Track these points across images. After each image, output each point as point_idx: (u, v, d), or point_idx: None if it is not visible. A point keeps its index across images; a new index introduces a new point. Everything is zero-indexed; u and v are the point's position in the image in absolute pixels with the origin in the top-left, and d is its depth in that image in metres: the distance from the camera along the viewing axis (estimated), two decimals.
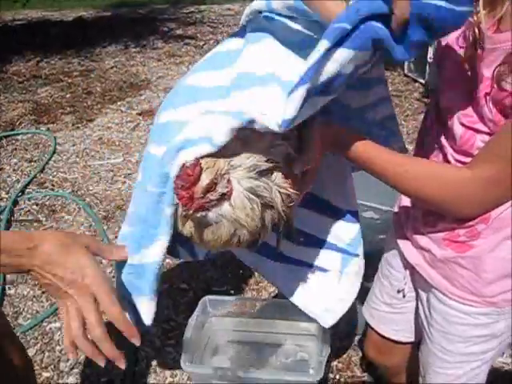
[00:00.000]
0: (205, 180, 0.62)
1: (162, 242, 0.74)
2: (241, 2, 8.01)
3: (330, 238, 0.88)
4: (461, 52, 0.92)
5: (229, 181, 0.65)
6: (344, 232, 0.89)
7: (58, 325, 2.20)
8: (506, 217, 0.95)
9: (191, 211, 0.64)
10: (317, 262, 0.90)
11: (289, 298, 1.02)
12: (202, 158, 0.64)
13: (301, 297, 0.99)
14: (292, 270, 0.90)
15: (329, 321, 1.02)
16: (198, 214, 0.66)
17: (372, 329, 1.38)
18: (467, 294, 1.04)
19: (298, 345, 1.95)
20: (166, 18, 7.95)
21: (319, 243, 0.91)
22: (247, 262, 0.94)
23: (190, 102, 0.76)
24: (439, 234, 1.04)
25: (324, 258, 0.86)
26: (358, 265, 1.00)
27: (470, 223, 0.97)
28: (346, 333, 2.11)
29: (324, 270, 0.92)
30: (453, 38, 0.93)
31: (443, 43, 0.96)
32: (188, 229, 0.71)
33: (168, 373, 1.99)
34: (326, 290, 0.97)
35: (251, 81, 0.75)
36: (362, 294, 1.40)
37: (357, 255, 0.96)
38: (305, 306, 1.00)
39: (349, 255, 0.95)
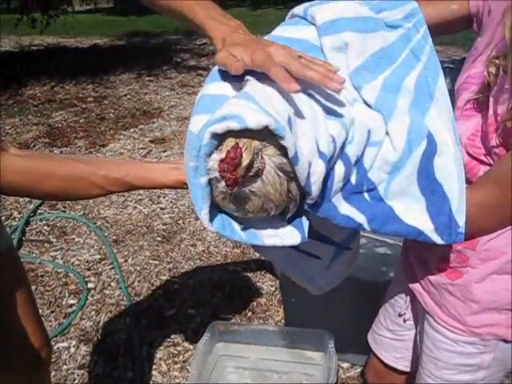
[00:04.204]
0: (245, 160, 0.65)
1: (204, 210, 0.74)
2: None
3: (326, 232, 0.92)
4: (478, 86, 0.96)
5: (262, 157, 0.68)
6: (339, 230, 0.91)
7: (65, 344, 2.22)
8: (494, 246, 0.97)
9: (235, 189, 0.67)
10: (313, 251, 0.94)
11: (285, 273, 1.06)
12: (239, 139, 0.66)
13: (295, 275, 1.04)
14: (290, 254, 0.93)
15: (316, 292, 1.07)
16: (236, 191, 0.68)
17: (374, 355, 1.40)
18: (453, 320, 1.06)
19: (304, 373, 1.97)
20: (178, 49, 8.14)
21: (318, 237, 0.94)
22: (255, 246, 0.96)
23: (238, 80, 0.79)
24: (434, 258, 1.07)
25: (319, 248, 0.89)
26: (349, 256, 1.03)
27: (458, 248, 1.00)
28: (350, 364, 2.13)
29: (317, 257, 0.96)
30: (473, 72, 0.98)
31: (464, 75, 1.00)
32: (219, 201, 0.73)
33: None
34: (317, 271, 1.02)
35: None
36: (368, 325, 1.44)
37: (349, 248, 1.00)
38: (296, 279, 1.05)
39: (342, 248, 0.99)
